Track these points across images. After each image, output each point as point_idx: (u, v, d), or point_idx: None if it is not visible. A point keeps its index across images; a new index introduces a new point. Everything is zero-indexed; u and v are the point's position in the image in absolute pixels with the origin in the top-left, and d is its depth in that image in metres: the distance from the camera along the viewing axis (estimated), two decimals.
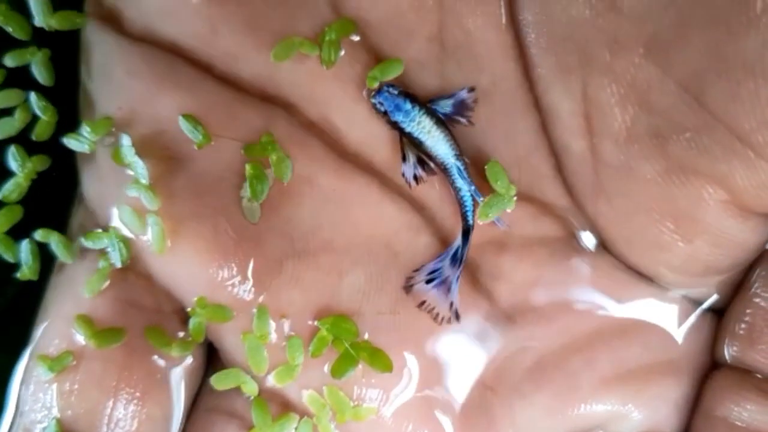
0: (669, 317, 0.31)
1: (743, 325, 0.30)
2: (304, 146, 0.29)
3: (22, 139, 0.30)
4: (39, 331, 0.29)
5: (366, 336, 0.29)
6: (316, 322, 0.29)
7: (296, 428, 0.29)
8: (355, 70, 0.29)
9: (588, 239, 0.30)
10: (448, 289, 0.29)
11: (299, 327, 0.29)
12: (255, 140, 0.28)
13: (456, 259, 0.29)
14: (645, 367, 0.30)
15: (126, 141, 0.28)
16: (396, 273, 0.29)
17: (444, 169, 0.29)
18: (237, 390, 0.29)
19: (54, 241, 0.29)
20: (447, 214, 0.30)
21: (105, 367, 0.28)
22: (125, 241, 0.29)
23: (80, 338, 0.28)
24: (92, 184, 0.30)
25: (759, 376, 0.29)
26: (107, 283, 0.29)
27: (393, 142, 0.30)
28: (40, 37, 0.30)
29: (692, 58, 0.24)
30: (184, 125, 0.28)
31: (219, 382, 0.29)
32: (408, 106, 0.28)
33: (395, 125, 0.29)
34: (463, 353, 0.30)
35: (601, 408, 0.30)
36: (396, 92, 0.28)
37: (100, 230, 0.29)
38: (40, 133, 0.30)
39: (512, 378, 0.30)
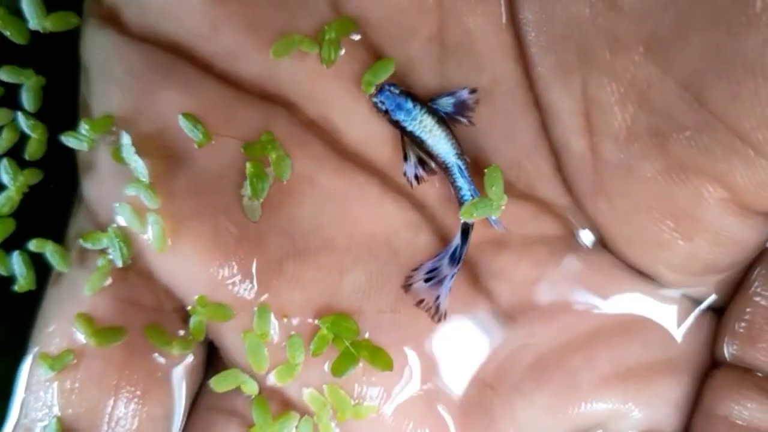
0: (669, 316, 0.31)
1: (743, 324, 0.30)
2: (305, 145, 0.29)
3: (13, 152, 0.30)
4: (39, 330, 0.29)
5: (366, 334, 0.29)
6: (316, 321, 0.29)
7: (297, 427, 0.29)
8: (355, 69, 0.29)
9: (588, 238, 0.30)
10: (442, 287, 0.29)
11: (300, 325, 0.29)
12: (255, 139, 0.28)
13: (455, 258, 0.29)
14: (645, 366, 0.30)
15: (126, 140, 0.28)
16: (396, 271, 0.29)
17: (445, 168, 0.29)
18: (238, 388, 0.29)
19: (49, 250, 0.29)
20: (447, 212, 0.30)
21: (105, 365, 0.28)
22: (126, 241, 0.29)
23: (81, 337, 0.28)
24: (92, 184, 0.30)
25: (759, 374, 0.29)
26: (108, 281, 0.29)
27: (393, 141, 0.30)
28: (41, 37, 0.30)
29: (692, 57, 0.24)
30: (185, 124, 0.28)
31: (218, 384, 0.29)
32: (409, 105, 0.28)
33: (396, 124, 0.29)
34: (464, 352, 0.30)
35: (602, 406, 0.30)
36: (397, 91, 0.28)
37: (99, 231, 0.29)
38: (33, 152, 0.30)
39: (513, 376, 0.30)
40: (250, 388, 0.29)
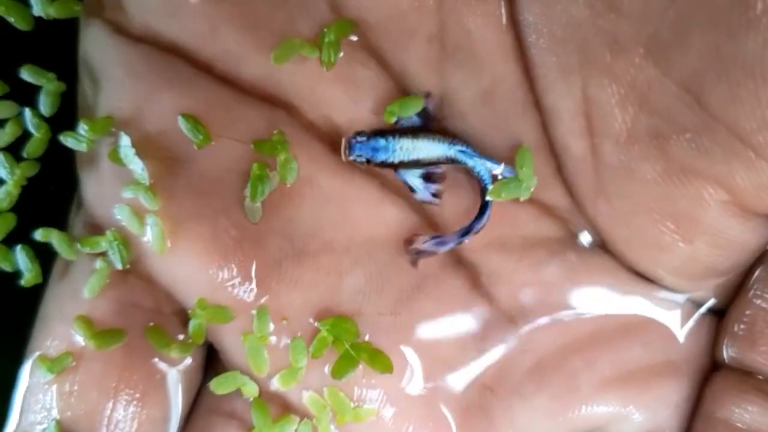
0: (669, 318, 0.31)
1: (743, 326, 0.30)
2: (305, 147, 0.29)
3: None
4: (39, 332, 0.29)
5: (366, 337, 0.29)
6: (316, 323, 0.29)
7: (296, 429, 0.29)
8: (356, 71, 0.29)
9: (588, 240, 0.30)
10: (439, 241, 0.29)
11: (300, 328, 0.29)
12: (260, 137, 0.28)
13: (465, 232, 0.29)
14: (645, 369, 0.30)
15: (125, 141, 0.28)
16: (396, 274, 0.29)
17: (451, 162, 0.29)
18: (237, 391, 0.29)
19: (55, 239, 0.29)
20: (446, 213, 0.30)
21: (105, 368, 0.28)
22: (125, 243, 0.28)
23: (80, 339, 0.28)
24: (92, 185, 0.30)
25: (760, 377, 0.29)
26: (107, 283, 0.29)
27: None
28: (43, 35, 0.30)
29: (692, 59, 0.24)
30: (184, 125, 0.28)
31: (218, 386, 0.29)
32: (382, 142, 0.28)
33: (384, 164, 0.29)
34: (463, 354, 0.30)
35: (602, 409, 0.30)
36: (365, 138, 0.28)
37: (97, 235, 0.29)
38: (32, 150, 0.30)
39: (512, 379, 0.30)
40: (250, 390, 0.29)
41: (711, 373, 0.31)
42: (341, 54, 0.29)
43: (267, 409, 0.29)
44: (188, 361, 0.29)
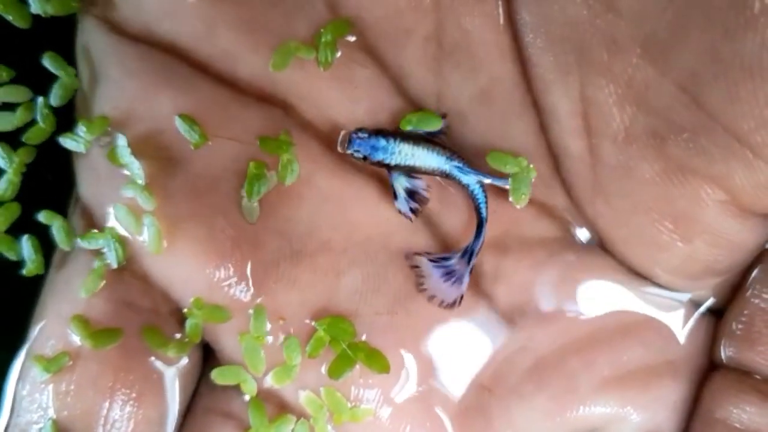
0: (668, 319, 0.31)
1: (741, 327, 0.29)
2: (302, 146, 0.29)
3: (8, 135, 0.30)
4: (35, 332, 0.29)
5: (363, 337, 0.29)
6: (313, 323, 0.29)
7: (293, 429, 0.29)
8: (353, 71, 0.29)
9: (587, 239, 0.30)
10: (453, 280, 0.29)
11: (296, 328, 0.29)
12: (257, 137, 0.28)
13: (466, 253, 0.29)
14: (644, 369, 0.30)
15: (122, 141, 0.28)
16: (393, 273, 0.29)
17: (446, 176, 0.29)
18: (234, 391, 0.29)
19: (56, 225, 0.29)
20: (445, 214, 0.30)
21: (101, 367, 0.28)
22: (121, 242, 0.28)
23: (76, 339, 0.28)
24: (88, 185, 0.30)
25: (758, 377, 0.29)
26: (103, 283, 0.29)
27: None
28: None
29: (690, 59, 0.24)
30: (181, 125, 0.28)
31: (220, 376, 0.29)
32: (383, 142, 0.28)
33: (380, 164, 0.29)
34: (461, 354, 0.30)
35: (600, 410, 0.30)
36: (366, 135, 0.28)
37: (96, 230, 0.29)
38: (32, 137, 0.30)
39: (511, 379, 0.30)
40: (249, 387, 0.29)
41: (709, 373, 0.31)
42: (339, 54, 0.29)
43: (264, 408, 0.29)
44: (185, 360, 0.29)
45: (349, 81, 0.29)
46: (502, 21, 0.28)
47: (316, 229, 0.29)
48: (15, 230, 0.30)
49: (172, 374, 0.29)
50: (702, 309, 0.31)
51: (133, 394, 0.28)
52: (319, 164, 0.29)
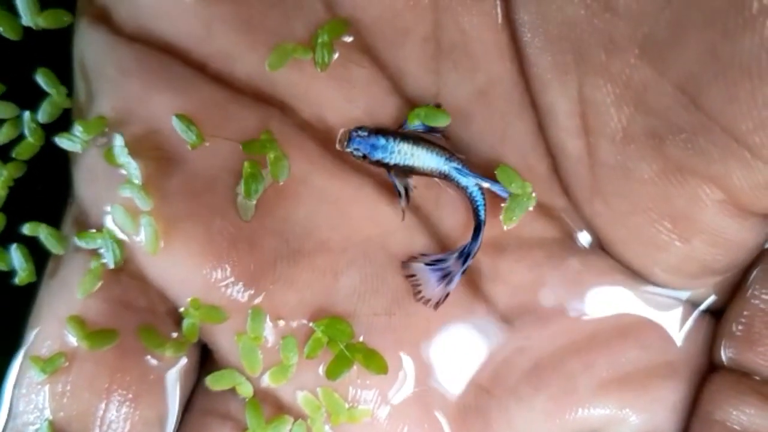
0: (667, 319, 0.31)
1: (741, 327, 0.29)
2: (299, 146, 0.29)
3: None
4: (31, 333, 0.29)
5: (361, 337, 0.29)
6: (311, 324, 0.29)
7: (290, 430, 0.29)
8: (351, 71, 0.29)
9: (585, 240, 0.30)
10: (446, 280, 0.29)
11: (294, 328, 0.29)
12: (255, 137, 0.28)
13: (463, 255, 0.29)
14: (643, 370, 0.30)
15: (119, 141, 0.28)
16: (391, 274, 0.29)
17: (444, 177, 0.29)
18: (231, 391, 0.29)
19: (43, 233, 0.29)
20: (443, 214, 0.30)
21: (97, 368, 0.28)
22: (118, 242, 0.28)
23: (73, 339, 0.28)
24: (85, 185, 0.30)
25: (757, 378, 0.29)
26: (100, 283, 0.29)
27: None
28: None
29: (688, 59, 0.24)
30: (178, 125, 0.28)
31: (215, 382, 0.29)
32: (382, 141, 0.28)
33: (379, 163, 0.29)
34: (460, 355, 0.30)
35: (599, 412, 0.30)
36: (366, 133, 0.28)
37: (93, 230, 0.29)
38: (21, 152, 0.30)
39: (509, 380, 0.30)
40: (245, 389, 0.29)
41: (708, 374, 0.31)
42: (336, 54, 0.29)
43: (261, 409, 0.29)
44: (182, 361, 0.29)
45: (347, 81, 0.29)
46: (500, 20, 0.28)
47: (314, 229, 0.29)
48: (5, 240, 0.30)
49: (170, 375, 0.29)
50: (701, 309, 0.31)
51: (130, 395, 0.28)
52: (316, 164, 0.29)
